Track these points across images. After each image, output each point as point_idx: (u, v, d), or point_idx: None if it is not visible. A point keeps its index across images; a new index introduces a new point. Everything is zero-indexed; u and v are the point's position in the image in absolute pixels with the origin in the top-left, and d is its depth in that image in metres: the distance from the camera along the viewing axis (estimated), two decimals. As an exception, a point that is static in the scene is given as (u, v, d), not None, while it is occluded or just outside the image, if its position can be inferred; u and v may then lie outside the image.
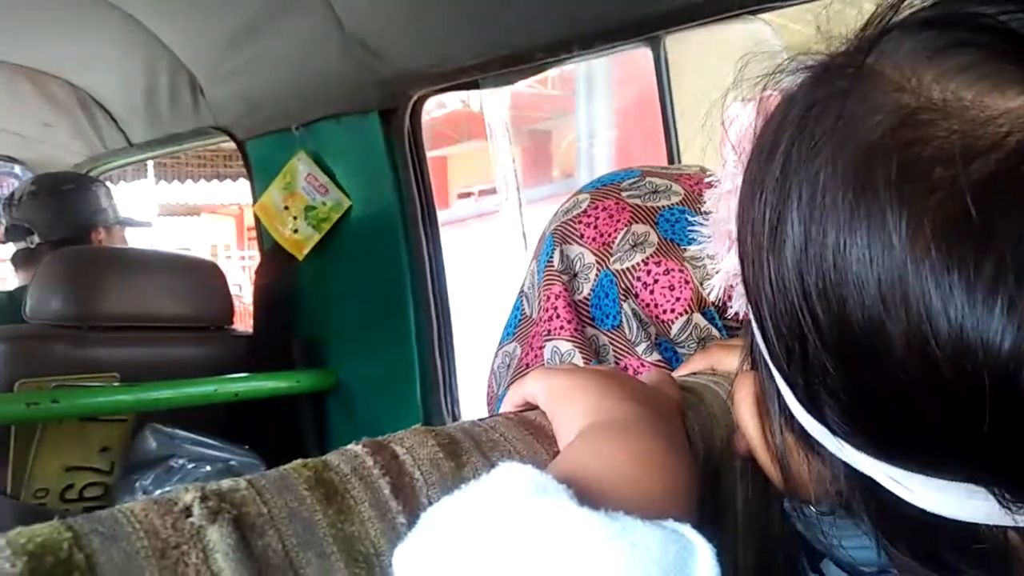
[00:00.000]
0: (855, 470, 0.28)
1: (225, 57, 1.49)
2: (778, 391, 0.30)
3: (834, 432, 0.27)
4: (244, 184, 1.73)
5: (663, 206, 0.61)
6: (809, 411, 0.28)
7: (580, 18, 1.09)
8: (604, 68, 3.06)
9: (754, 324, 0.30)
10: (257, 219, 1.61)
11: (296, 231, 1.52)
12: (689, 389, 0.43)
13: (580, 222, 0.62)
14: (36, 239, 1.71)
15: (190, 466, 1.36)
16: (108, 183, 1.96)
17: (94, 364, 1.33)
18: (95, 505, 1.33)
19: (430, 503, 0.30)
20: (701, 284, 0.57)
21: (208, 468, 1.37)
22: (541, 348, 0.60)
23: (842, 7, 0.30)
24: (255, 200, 1.60)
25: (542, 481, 0.27)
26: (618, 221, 0.60)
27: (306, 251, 1.52)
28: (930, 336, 0.22)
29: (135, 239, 2.00)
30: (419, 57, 1.28)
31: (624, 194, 0.62)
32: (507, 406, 0.42)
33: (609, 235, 0.60)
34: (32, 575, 0.22)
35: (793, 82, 0.30)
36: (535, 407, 0.39)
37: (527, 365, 0.61)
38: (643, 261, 0.58)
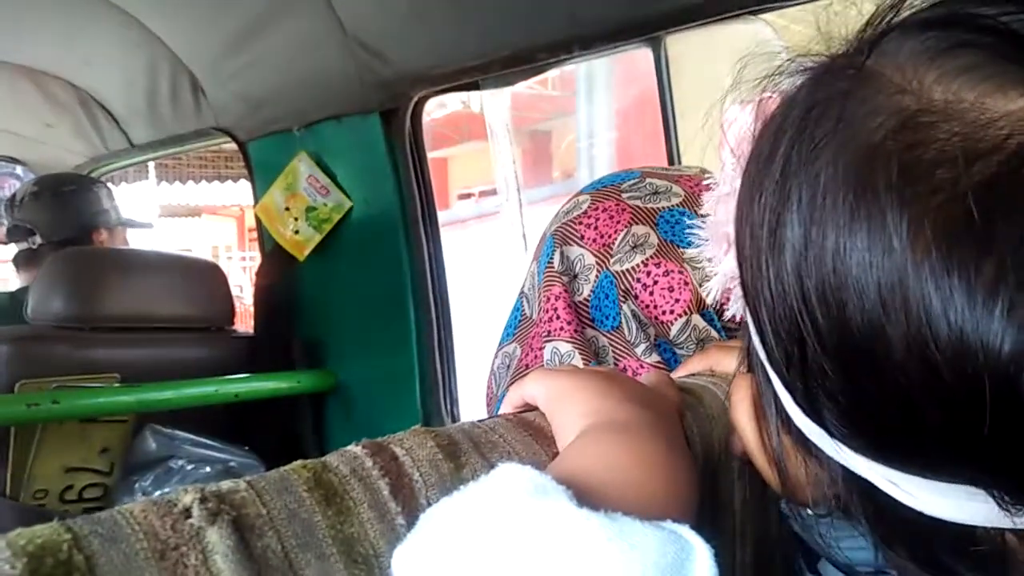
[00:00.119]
0: (853, 473, 0.28)
1: (227, 58, 1.49)
2: (775, 394, 0.30)
3: (832, 435, 0.27)
4: (245, 185, 1.73)
5: (663, 207, 0.61)
6: (807, 414, 0.28)
7: (581, 19, 1.09)
8: (604, 69, 3.07)
9: (752, 327, 0.30)
10: (258, 220, 1.62)
11: (297, 232, 1.52)
12: (688, 390, 0.43)
13: (580, 223, 0.62)
14: (38, 240, 1.72)
15: (189, 467, 1.36)
16: (109, 184, 1.96)
17: (95, 365, 1.33)
18: (94, 506, 1.33)
19: (429, 504, 0.30)
20: (700, 286, 0.57)
21: (208, 469, 1.37)
22: (541, 349, 0.60)
23: (842, 7, 0.30)
24: (256, 201, 1.60)
25: (541, 482, 0.27)
26: (618, 222, 0.60)
27: (307, 252, 1.52)
28: (930, 339, 0.22)
29: (136, 240, 2.01)
30: (420, 58, 1.28)
31: (624, 195, 0.62)
32: (507, 407, 0.42)
33: (609, 236, 0.60)
34: (32, 576, 0.22)
35: (792, 84, 0.30)
36: (535, 408, 0.39)
37: (527, 366, 0.61)
38: (643, 262, 0.59)
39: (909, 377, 0.23)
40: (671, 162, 1.38)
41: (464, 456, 0.33)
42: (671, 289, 0.57)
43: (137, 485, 1.33)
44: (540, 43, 1.15)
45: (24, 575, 0.22)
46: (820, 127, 0.26)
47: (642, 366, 0.56)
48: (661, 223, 0.60)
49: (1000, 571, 0.26)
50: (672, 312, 0.57)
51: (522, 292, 0.66)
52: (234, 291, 1.69)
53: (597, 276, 0.59)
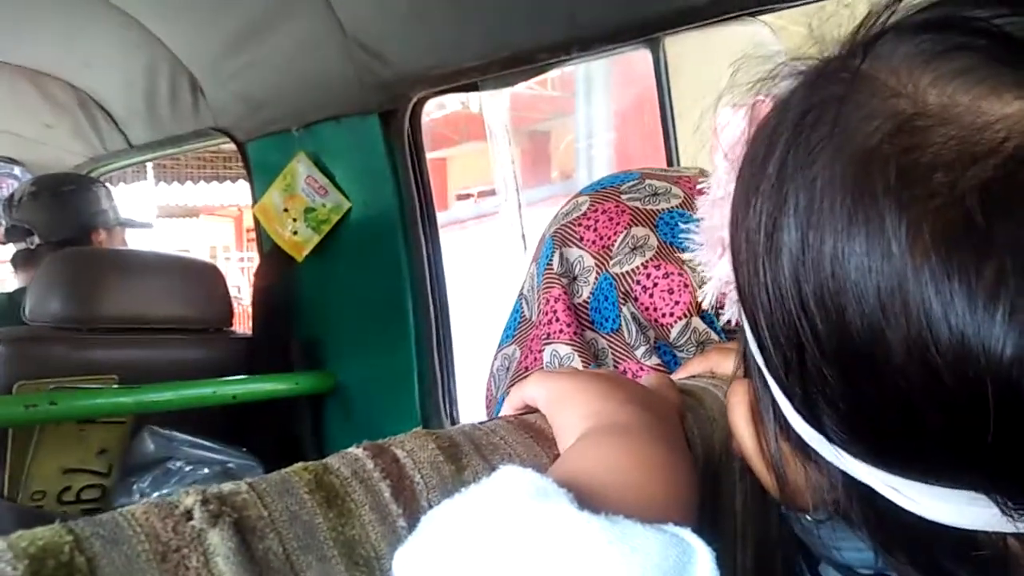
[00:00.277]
0: (853, 478, 0.27)
1: (226, 58, 1.49)
2: (773, 399, 0.30)
3: (832, 441, 0.27)
4: (243, 185, 1.73)
5: (663, 209, 0.61)
6: (806, 420, 0.28)
7: (580, 20, 1.09)
8: (603, 69, 3.07)
9: (748, 332, 0.30)
10: (256, 221, 1.61)
11: (295, 233, 1.52)
12: (688, 392, 0.43)
13: (580, 225, 0.61)
14: (36, 240, 1.71)
15: (188, 468, 1.36)
16: (108, 184, 1.96)
17: (93, 366, 1.32)
18: (93, 508, 1.33)
19: (430, 506, 0.30)
20: (700, 288, 0.57)
21: (206, 470, 1.37)
22: (540, 351, 0.60)
23: (836, 8, 0.30)
24: (255, 202, 1.60)
25: (542, 485, 0.27)
26: (618, 224, 0.60)
27: (305, 253, 1.52)
28: (931, 343, 0.22)
29: (135, 240, 2.00)
30: (419, 59, 1.28)
31: (624, 197, 0.62)
32: (507, 409, 0.42)
33: (609, 238, 0.60)
34: (33, 579, 0.22)
35: (786, 87, 0.30)
36: (535, 410, 0.39)
37: (526, 368, 0.61)
38: (643, 264, 0.58)
39: (910, 381, 0.23)
40: (670, 163, 1.38)
41: (465, 458, 0.33)
42: (671, 291, 0.57)
43: (135, 486, 1.33)
44: (539, 44, 1.15)
45: (26, 577, 0.22)
46: (816, 131, 0.25)
47: (642, 368, 0.56)
48: (661, 225, 0.60)
49: (1002, 575, 0.26)
50: (672, 314, 0.57)
51: (521, 294, 0.66)
52: (232, 292, 1.69)
53: (596, 278, 0.59)
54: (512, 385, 0.59)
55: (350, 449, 0.32)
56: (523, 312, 0.65)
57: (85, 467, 1.32)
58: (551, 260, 0.62)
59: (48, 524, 0.24)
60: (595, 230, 0.61)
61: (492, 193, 3.84)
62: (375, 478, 0.30)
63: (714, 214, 0.36)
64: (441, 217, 1.47)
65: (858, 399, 0.25)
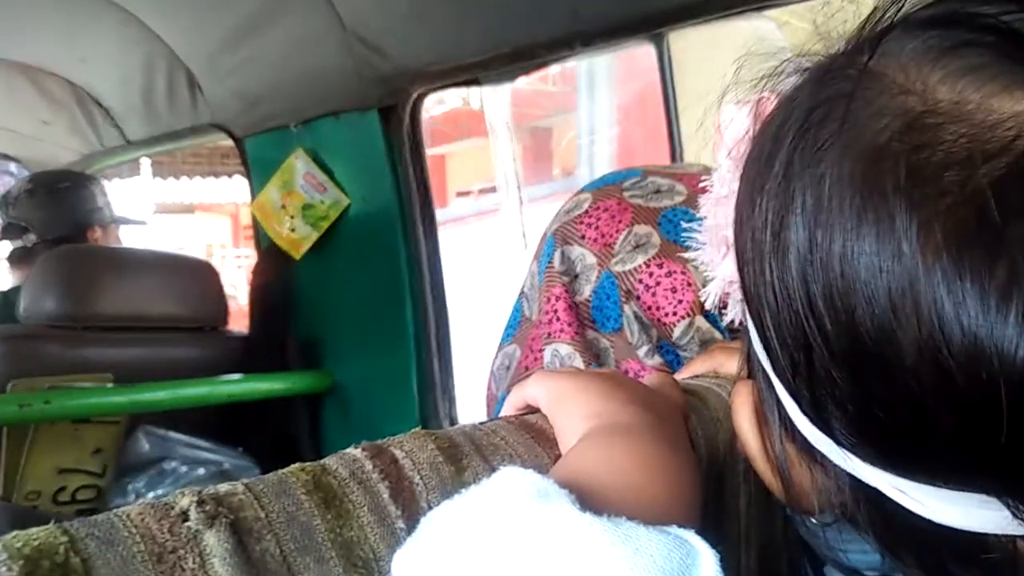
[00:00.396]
0: (860, 481, 0.27)
1: (224, 54, 1.49)
2: (778, 401, 0.30)
3: (840, 443, 0.27)
4: (240, 181, 1.72)
5: (666, 206, 0.60)
6: (813, 422, 0.27)
7: (582, 14, 1.09)
8: (606, 65, 3.06)
9: (754, 333, 0.29)
10: (254, 218, 1.61)
11: (293, 230, 1.51)
12: (692, 392, 0.43)
13: (581, 223, 0.61)
14: (32, 237, 1.71)
15: (183, 469, 1.35)
16: (103, 180, 1.95)
17: (88, 365, 1.32)
18: (88, 508, 1.32)
19: (430, 508, 0.29)
20: (703, 287, 0.56)
21: (201, 471, 1.36)
22: (541, 351, 0.60)
23: (842, 4, 0.30)
24: (252, 198, 1.60)
25: (544, 486, 0.27)
26: (620, 222, 0.60)
27: (303, 250, 1.51)
28: (943, 344, 0.22)
29: (130, 237, 2.00)
30: (419, 54, 1.27)
31: (626, 194, 0.61)
32: (508, 409, 0.41)
33: (611, 236, 0.59)
34: (26, 581, 0.21)
35: (791, 84, 0.29)
36: (536, 410, 0.39)
37: (527, 368, 0.61)
38: (645, 263, 0.58)
39: (921, 383, 0.22)
40: (674, 159, 1.38)
41: (465, 459, 0.33)
42: (674, 290, 0.57)
43: (130, 487, 1.33)
44: (541, 39, 1.15)
45: (18, 580, 0.21)
46: (824, 128, 0.25)
47: (644, 368, 0.56)
48: (664, 222, 0.59)
49: None
50: (675, 314, 0.57)
51: (522, 292, 0.65)
52: (228, 290, 1.68)
53: (598, 276, 0.59)
54: (513, 385, 0.59)
55: (348, 449, 0.31)
56: (524, 311, 0.64)
57: (80, 467, 1.32)
58: (552, 258, 0.61)
59: (43, 525, 0.23)
60: (597, 228, 0.60)
61: (492, 190, 3.84)
62: (374, 479, 0.30)
63: (717, 212, 0.36)
64: (440, 214, 1.47)
65: (868, 401, 0.24)
